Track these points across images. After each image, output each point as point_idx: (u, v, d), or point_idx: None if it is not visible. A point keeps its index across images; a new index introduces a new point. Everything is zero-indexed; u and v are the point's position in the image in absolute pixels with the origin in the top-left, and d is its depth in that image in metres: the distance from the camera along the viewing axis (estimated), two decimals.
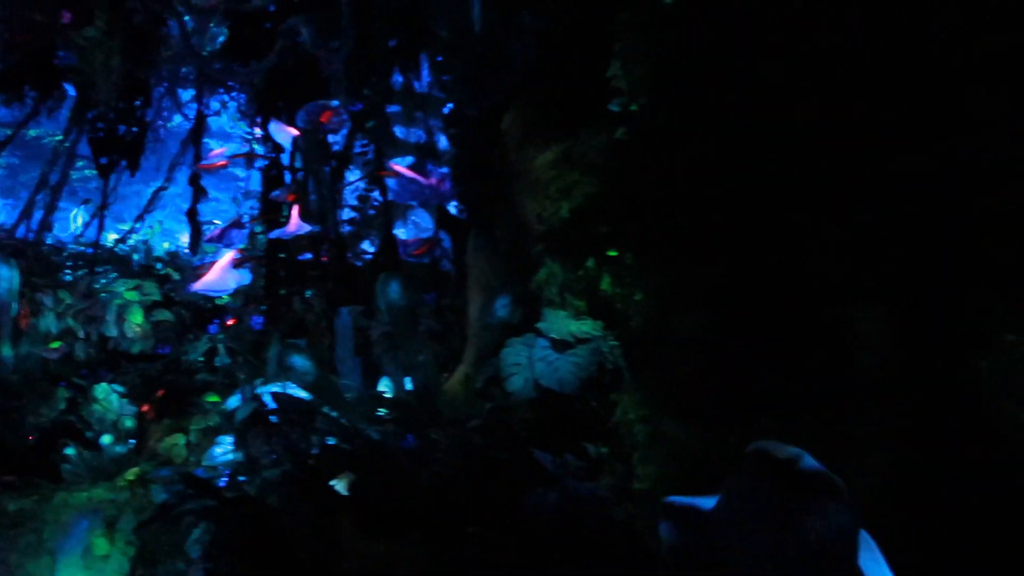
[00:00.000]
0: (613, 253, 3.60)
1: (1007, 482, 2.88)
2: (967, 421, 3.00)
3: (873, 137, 3.13)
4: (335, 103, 5.23)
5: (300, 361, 3.67)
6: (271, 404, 3.74)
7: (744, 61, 3.14)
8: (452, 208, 5.27)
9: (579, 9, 3.89)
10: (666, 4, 3.24)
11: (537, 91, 4.06)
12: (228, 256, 5.04)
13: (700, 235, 3.35)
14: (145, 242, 8.23)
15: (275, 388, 3.88)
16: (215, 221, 7.15)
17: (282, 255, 5.86)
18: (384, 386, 4.13)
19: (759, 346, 3.30)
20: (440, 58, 4.87)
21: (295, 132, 5.64)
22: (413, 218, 6.22)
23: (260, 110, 6.40)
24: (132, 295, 5.22)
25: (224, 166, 5.93)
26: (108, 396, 4.70)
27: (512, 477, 3.39)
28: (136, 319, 5.17)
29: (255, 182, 6.74)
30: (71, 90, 6.97)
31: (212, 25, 7.25)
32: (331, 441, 3.45)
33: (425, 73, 5.63)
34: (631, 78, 3.47)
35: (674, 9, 3.24)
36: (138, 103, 6.96)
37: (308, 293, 5.45)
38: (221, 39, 7.15)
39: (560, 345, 3.44)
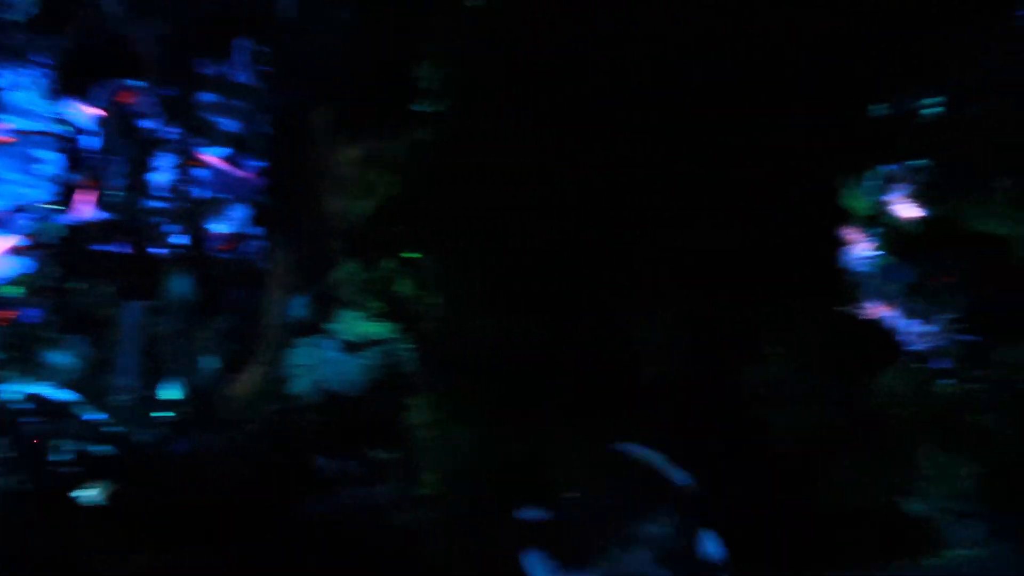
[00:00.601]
0: (412, 254, 3.58)
1: (773, 473, 3.11)
2: (740, 422, 3.22)
3: (663, 151, 3.30)
4: (139, 84, 4.90)
5: (65, 358, 3.36)
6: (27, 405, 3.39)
7: (545, 66, 3.21)
8: (265, 202, 5.06)
9: (391, 6, 3.86)
10: (472, 6, 3.27)
11: (346, 87, 4.00)
12: (2, 242, 4.56)
13: (496, 240, 3.39)
14: None
15: (35, 388, 3.52)
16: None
17: (78, 244, 5.39)
18: (167, 387, 3.87)
19: (551, 351, 3.38)
20: (252, 47, 4.69)
21: (98, 113, 5.24)
22: (230, 212, 5.92)
23: (67, 88, 5.91)
24: None
25: (9, 143, 5.39)
26: None
27: (290, 484, 3.26)
28: None
29: (63, 164, 6.21)
30: None
31: None
32: (93, 447, 3.17)
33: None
34: (437, 79, 3.47)
35: (479, 13, 3.27)
36: None
37: (101, 286, 5.04)
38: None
39: (351, 347, 3.36)
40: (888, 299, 3.38)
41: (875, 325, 3.37)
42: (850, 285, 3.39)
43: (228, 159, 5.19)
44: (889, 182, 3.38)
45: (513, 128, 3.29)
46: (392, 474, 3.31)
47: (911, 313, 3.34)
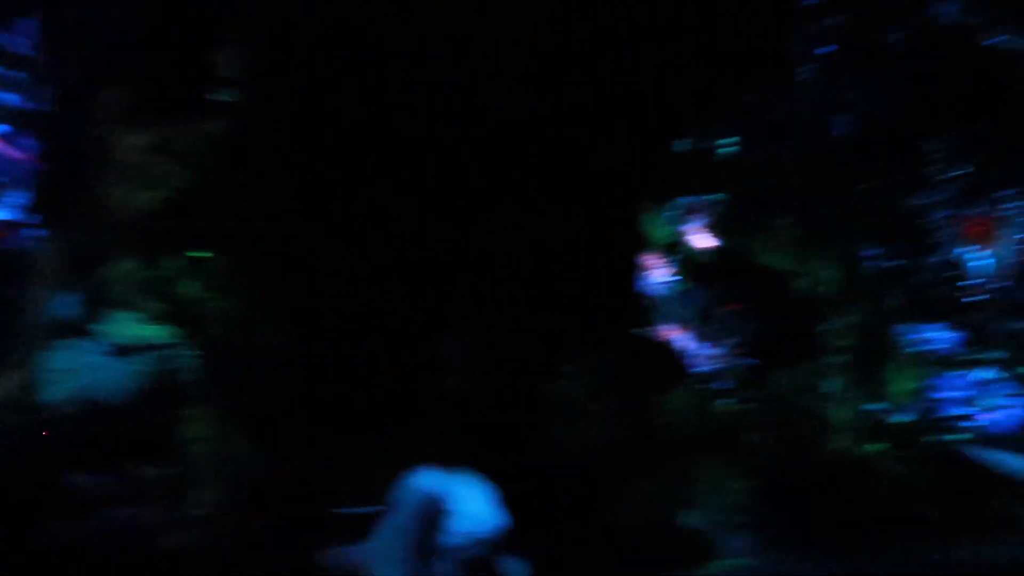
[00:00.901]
0: (200, 253, 3.35)
1: (567, 486, 3.16)
2: (538, 437, 3.26)
3: (468, 163, 3.31)
4: None
5: None
6: None
7: (349, 61, 3.13)
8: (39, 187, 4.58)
9: None
10: None
11: (138, 67, 3.70)
12: None
13: (291, 242, 3.25)
14: None
15: None
16: None
17: None
18: None
19: (345, 362, 3.28)
20: (34, 15, 4.25)
21: None
22: (6, 198, 5.31)
23: None
24: None
25: None
26: None
27: (42, 504, 2.92)
28: None
29: None
30: None
31: None
32: None
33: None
34: (236, 67, 3.29)
35: (278, 4, 3.14)
36: None
37: None
38: None
39: (121, 350, 3.07)
40: (680, 323, 3.56)
41: (666, 347, 3.53)
42: (646, 308, 3.54)
43: (1, 137, 4.67)
44: (687, 213, 3.57)
45: (314, 123, 3.18)
46: (162, 493, 3.05)
47: (700, 337, 3.53)
